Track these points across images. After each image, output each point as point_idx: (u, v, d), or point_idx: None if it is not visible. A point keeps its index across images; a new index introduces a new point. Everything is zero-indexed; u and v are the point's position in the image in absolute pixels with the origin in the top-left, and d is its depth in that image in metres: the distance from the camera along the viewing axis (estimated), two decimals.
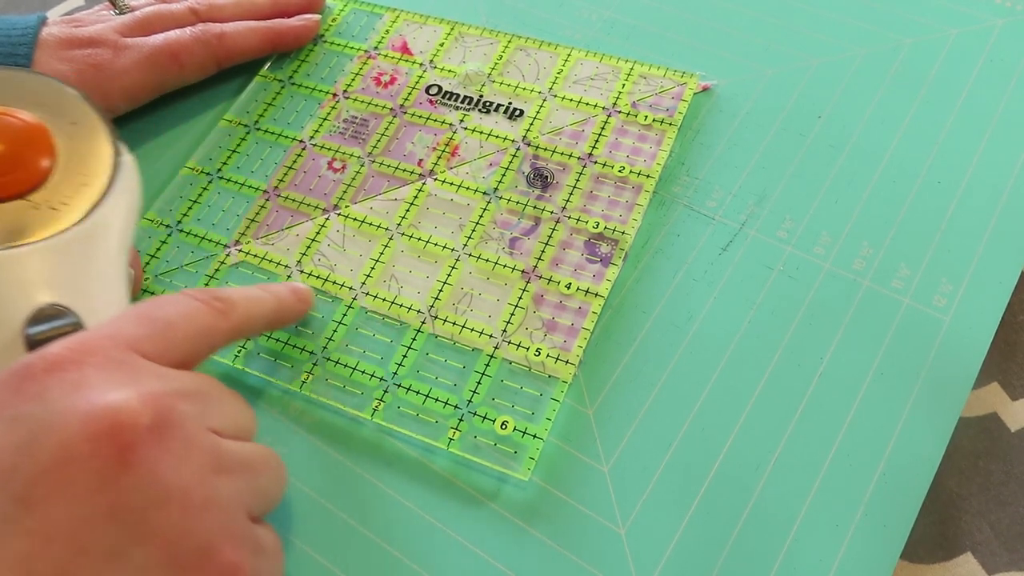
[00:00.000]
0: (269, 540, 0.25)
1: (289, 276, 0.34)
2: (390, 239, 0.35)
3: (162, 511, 0.21)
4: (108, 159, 0.28)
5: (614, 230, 0.34)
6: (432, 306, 0.33)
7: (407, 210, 0.36)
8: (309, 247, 0.35)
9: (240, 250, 0.35)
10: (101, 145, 0.28)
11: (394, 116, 0.39)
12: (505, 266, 0.34)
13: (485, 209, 0.35)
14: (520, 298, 0.33)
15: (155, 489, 0.21)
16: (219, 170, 0.38)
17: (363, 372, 0.32)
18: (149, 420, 0.22)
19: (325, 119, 0.39)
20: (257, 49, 0.40)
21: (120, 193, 0.28)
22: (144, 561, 0.21)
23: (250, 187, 0.37)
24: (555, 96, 0.38)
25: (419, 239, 0.35)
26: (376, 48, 0.41)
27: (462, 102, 0.39)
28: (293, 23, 0.41)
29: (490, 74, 0.40)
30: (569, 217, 0.35)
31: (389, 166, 0.37)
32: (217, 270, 0.35)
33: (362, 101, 0.39)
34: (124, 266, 0.28)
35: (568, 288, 0.33)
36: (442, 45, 0.41)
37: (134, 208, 0.28)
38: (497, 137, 0.37)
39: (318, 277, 0.34)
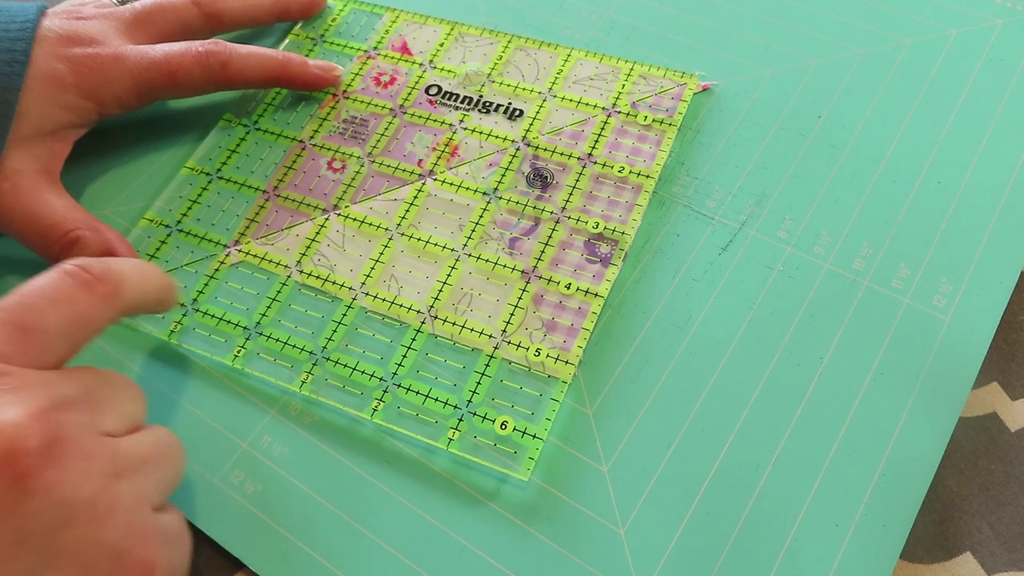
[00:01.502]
0: (174, 525, 0.25)
1: (289, 276, 0.34)
2: (390, 239, 0.35)
3: (69, 529, 0.21)
4: None
5: (614, 230, 0.34)
6: (432, 306, 0.33)
7: (407, 210, 0.36)
8: (309, 247, 0.35)
9: (240, 250, 0.35)
10: None
11: (394, 116, 0.39)
12: (505, 266, 0.34)
13: (485, 209, 0.35)
14: (520, 298, 0.33)
15: (59, 510, 0.21)
16: (219, 170, 0.38)
17: (363, 372, 0.32)
18: (39, 441, 0.22)
19: (325, 119, 0.39)
20: (262, 82, 0.38)
21: None
22: None
23: (250, 187, 0.37)
24: (555, 96, 0.38)
25: (419, 239, 0.35)
26: (376, 48, 0.41)
27: (462, 102, 0.39)
28: (310, 68, 0.39)
29: (490, 74, 0.40)
30: (569, 217, 0.35)
31: (389, 166, 0.37)
32: (217, 270, 0.35)
33: (362, 101, 0.39)
34: None
35: (568, 288, 0.33)
36: (442, 45, 0.41)
37: None
38: (497, 137, 0.37)
39: (318, 277, 0.34)
